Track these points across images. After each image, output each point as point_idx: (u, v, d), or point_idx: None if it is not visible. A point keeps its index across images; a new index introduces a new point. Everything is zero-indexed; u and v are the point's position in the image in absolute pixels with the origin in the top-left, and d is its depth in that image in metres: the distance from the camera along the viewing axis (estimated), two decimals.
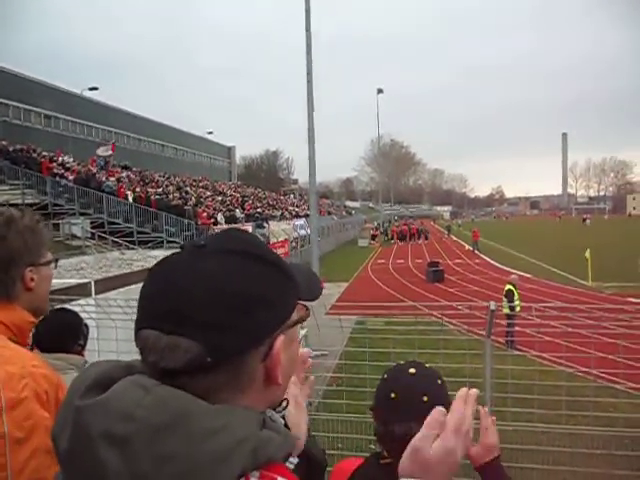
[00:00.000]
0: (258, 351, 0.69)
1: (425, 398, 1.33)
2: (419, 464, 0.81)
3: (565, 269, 21.69)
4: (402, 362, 1.48)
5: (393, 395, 1.37)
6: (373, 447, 3.27)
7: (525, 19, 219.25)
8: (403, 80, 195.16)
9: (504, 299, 10.92)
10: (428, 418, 0.82)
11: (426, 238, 45.94)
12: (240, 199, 34.03)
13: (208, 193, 31.42)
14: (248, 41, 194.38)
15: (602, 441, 5.05)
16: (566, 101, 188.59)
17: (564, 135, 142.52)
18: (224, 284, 0.67)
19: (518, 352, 7.58)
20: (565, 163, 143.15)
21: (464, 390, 0.86)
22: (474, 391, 0.87)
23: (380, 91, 62.10)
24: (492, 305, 3.90)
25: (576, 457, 4.89)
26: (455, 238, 46.62)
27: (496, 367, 5.12)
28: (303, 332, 6.09)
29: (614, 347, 6.10)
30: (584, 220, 72.61)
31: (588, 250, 18.51)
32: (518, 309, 10.14)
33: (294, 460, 0.75)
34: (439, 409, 0.82)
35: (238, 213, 27.12)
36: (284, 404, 0.82)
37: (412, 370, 1.41)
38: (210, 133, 60.89)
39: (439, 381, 1.40)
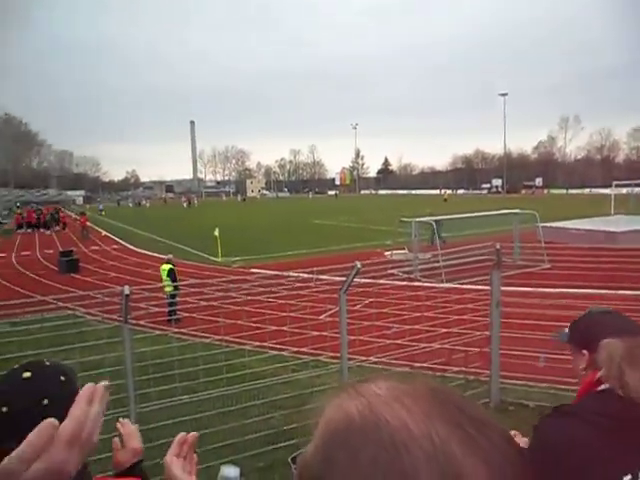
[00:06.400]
0: None
1: (46, 401, 1.17)
2: None
3: (199, 248, 23.28)
4: (16, 366, 1.28)
5: (5, 409, 1.15)
6: None
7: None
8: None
9: (167, 279, 11.02)
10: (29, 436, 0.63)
11: (64, 226, 42.18)
12: None
13: None
14: None
15: (235, 397, 5.71)
16: (193, 90, 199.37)
17: (192, 123, 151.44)
18: None
19: (159, 332, 7.78)
20: (194, 150, 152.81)
21: (88, 387, 0.72)
22: (101, 385, 0.73)
23: None
24: (126, 290, 3.85)
25: (216, 418, 5.38)
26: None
27: (137, 351, 5.13)
28: None
29: (241, 313, 6.96)
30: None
31: (217, 229, 20.32)
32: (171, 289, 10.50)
33: None
34: (47, 421, 0.64)
35: None
36: None
37: (27, 374, 1.23)
38: None
39: (63, 377, 1.26)
